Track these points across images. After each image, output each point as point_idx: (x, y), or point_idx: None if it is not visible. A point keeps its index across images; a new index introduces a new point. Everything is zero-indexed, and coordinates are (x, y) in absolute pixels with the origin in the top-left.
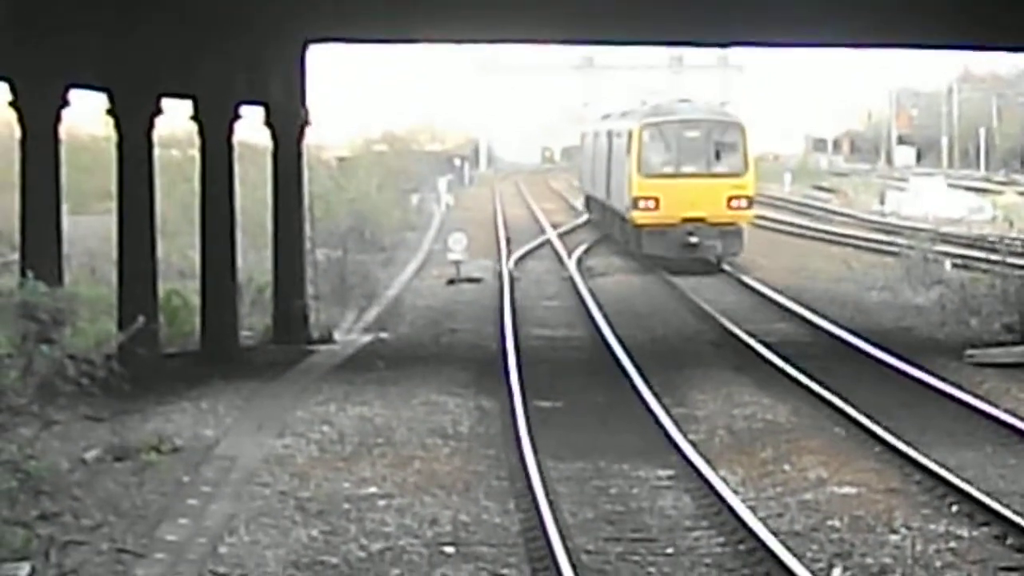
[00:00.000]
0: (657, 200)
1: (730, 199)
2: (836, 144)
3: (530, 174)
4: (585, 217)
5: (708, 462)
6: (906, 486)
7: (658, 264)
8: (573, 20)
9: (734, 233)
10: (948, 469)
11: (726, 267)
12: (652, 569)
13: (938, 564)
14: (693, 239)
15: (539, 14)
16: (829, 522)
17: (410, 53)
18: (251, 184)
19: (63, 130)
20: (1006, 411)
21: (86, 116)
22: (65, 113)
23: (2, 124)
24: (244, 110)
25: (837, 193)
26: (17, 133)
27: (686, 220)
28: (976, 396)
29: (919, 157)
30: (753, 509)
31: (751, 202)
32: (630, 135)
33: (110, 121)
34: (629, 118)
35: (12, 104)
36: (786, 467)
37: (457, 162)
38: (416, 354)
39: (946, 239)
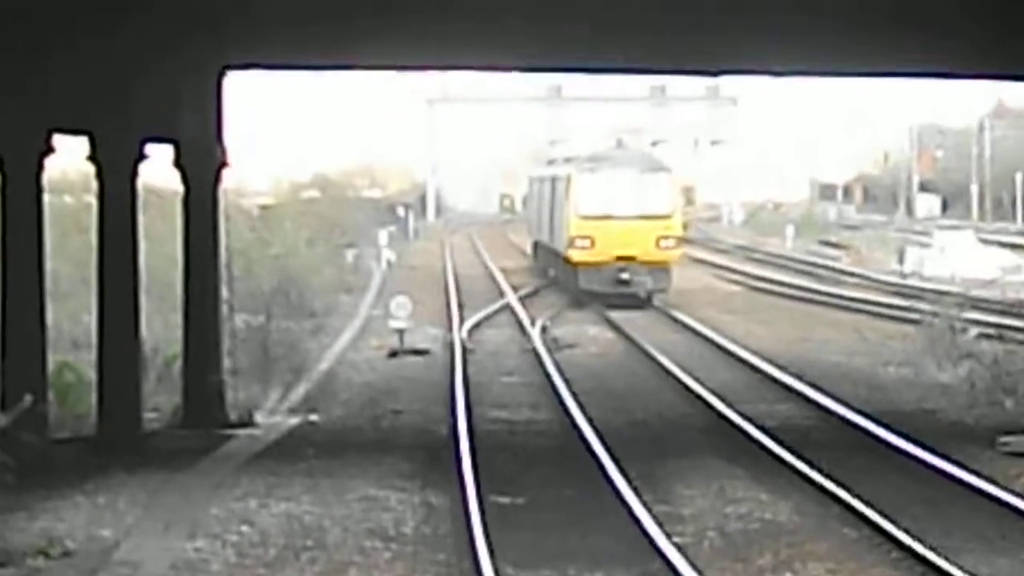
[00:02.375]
0: (592, 240)
1: (659, 239)
2: (847, 191)
3: (486, 226)
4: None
5: (696, 570)
6: None
7: (637, 331)
8: (537, 43)
9: (663, 271)
10: None
11: (719, 338)
12: None
13: None
14: (625, 275)
15: (497, 36)
16: None
17: (346, 82)
18: (158, 237)
19: None
20: None
21: None
22: None
23: None
24: (150, 148)
25: (848, 250)
26: None
27: (619, 258)
28: (1012, 492)
29: (945, 207)
30: None
31: (679, 241)
32: (568, 180)
33: None
34: (568, 165)
35: None
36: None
37: (401, 211)
38: (352, 440)
39: (977, 305)
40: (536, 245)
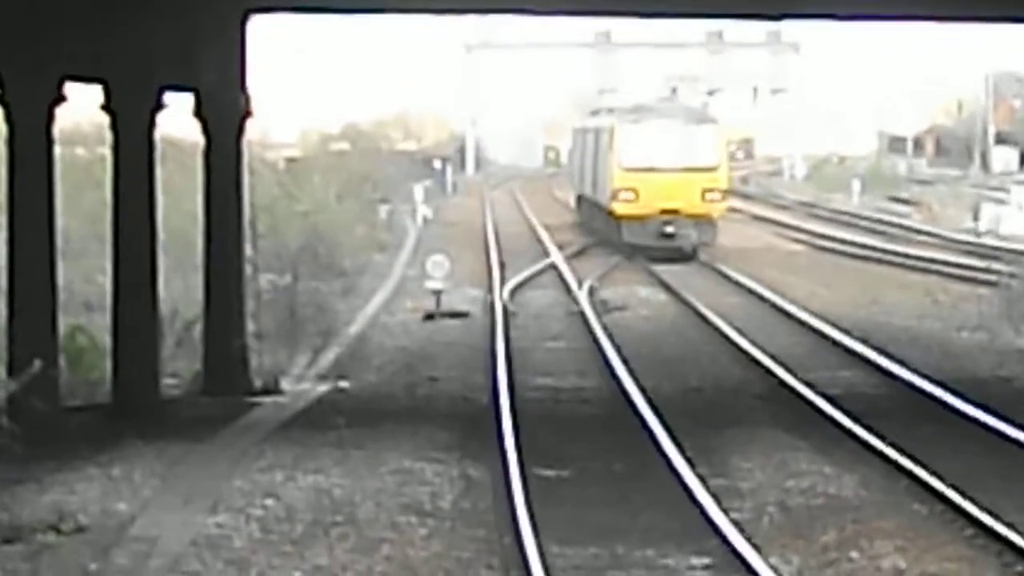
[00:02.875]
0: (636, 192)
1: (704, 192)
2: (917, 144)
3: (529, 180)
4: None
5: (755, 548)
6: None
7: (691, 293)
8: None
9: (708, 224)
10: None
11: (780, 301)
12: None
13: None
14: (669, 228)
15: None
16: None
17: (379, 26)
18: (177, 192)
19: None
20: None
21: None
22: None
23: None
24: (168, 97)
25: (918, 206)
26: None
27: (663, 211)
28: None
29: (1023, 161)
30: None
31: (724, 194)
32: (611, 132)
33: None
34: (612, 116)
35: None
36: (853, 554)
37: (438, 165)
38: (385, 409)
39: None
40: (580, 199)
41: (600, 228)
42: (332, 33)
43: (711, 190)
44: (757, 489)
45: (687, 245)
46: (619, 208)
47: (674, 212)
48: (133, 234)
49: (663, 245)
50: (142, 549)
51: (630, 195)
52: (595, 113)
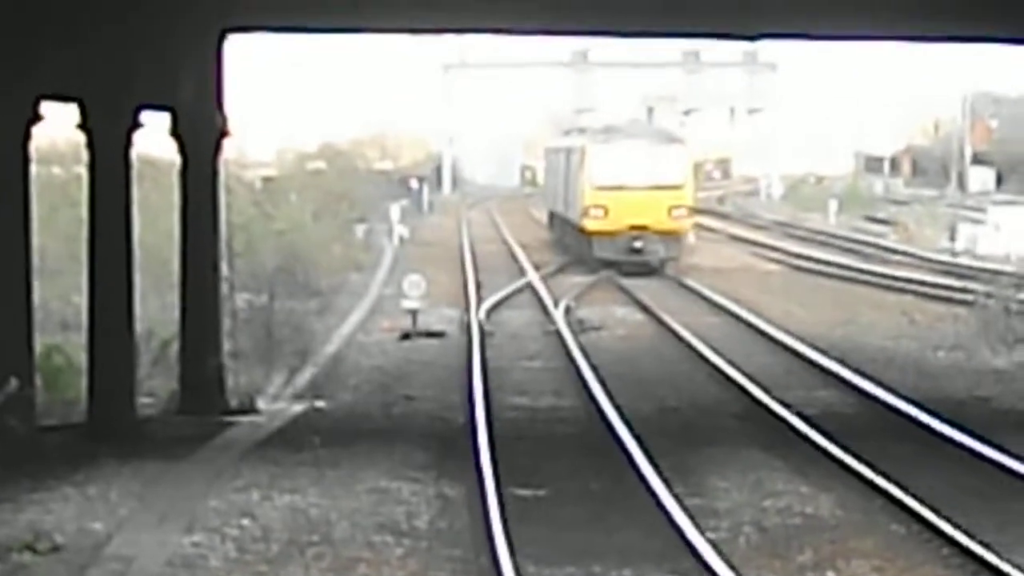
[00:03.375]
0: (606, 209)
1: (671, 209)
2: (894, 163)
3: (506, 200)
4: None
5: (731, 568)
6: None
7: (668, 313)
8: (562, 4)
9: (675, 240)
10: None
11: (756, 320)
12: None
13: None
14: (638, 244)
15: None
16: None
17: (356, 46)
18: (154, 211)
19: None
20: None
21: None
22: None
23: None
24: (145, 116)
25: (895, 226)
26: None
27: (632, 227)
28: None
29: (1000, 181)
30: None
31: (691, 211)
32: (583, 151)
33: None
34: (583, 136)
35: None
36: (830, 575)
37: (414, 184)
38: (361, 428)
39: None
40: (552, 215)
41: (571, 244)
42: (309, 52)
43: (677, 207)
44: (734, 509)
45: (654, 260)
46: (590, 224)
47: (642, 228)
48: (109, 253)
49: (632, 260)
50: (118, 569)
51: (600, 212)
52: (567, 133)
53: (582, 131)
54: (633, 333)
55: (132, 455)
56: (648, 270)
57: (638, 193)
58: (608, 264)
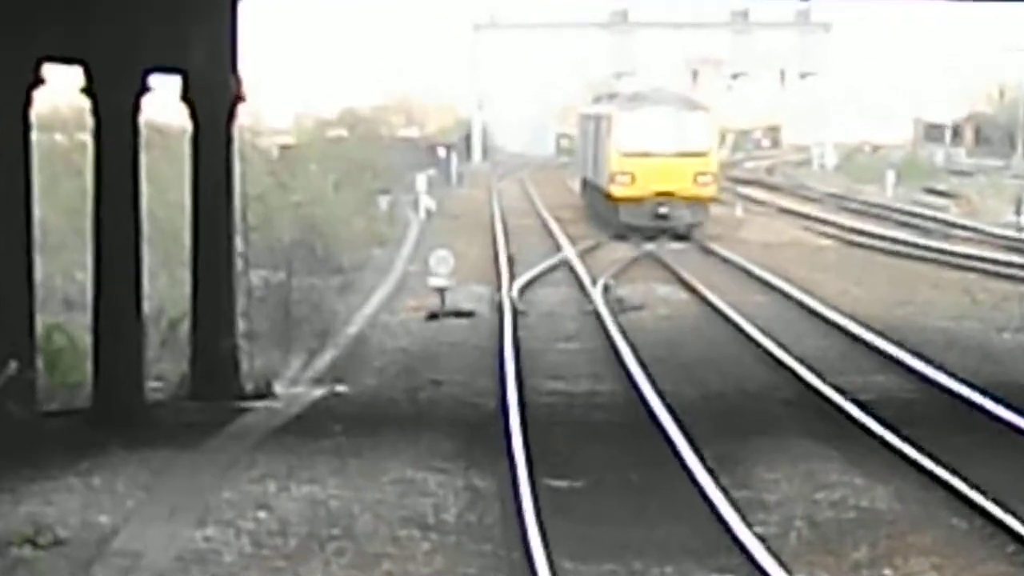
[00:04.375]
0: (632, 175)
1: (696, 175)
2: (956, 132)
3: (540, 170)
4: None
5: (781, 565)
6: None
7: (713, 291)
8: None
9: (700, 206)
10: None
11: (808, 300)
12: None
13: None
14: (663, 209)
15: None
16: None
17: (379, 4)
18: (163, 181)
19: None
20: None
21: None
22: None
23: None
24: (154, 80)
25: (957, 199)
26: None
27: (658, 194)
28: None
29: None
30: None
31: (715, 177)
32: (610, 119)
33: None
34: (611, 103)
35: None
36: (887, 572)
37: (442, 153)
38: (385, 414)
39: None
40: (584, 182)
41: (601, 211)
42: (329, 12)
43: (703, 173)
44: (784, 502)
45: (681, 225)
46: (616, 191)
47: (668, 194)
48: (116, 227)
49: (658, 225)
50: (124, 564)
51: (627, 178)
52: (599, 99)
53: (611, 97)
54: (676, 313)
55: (140, 443)
56: (675, 235)
57: (664, 160)
58: (634, 229)
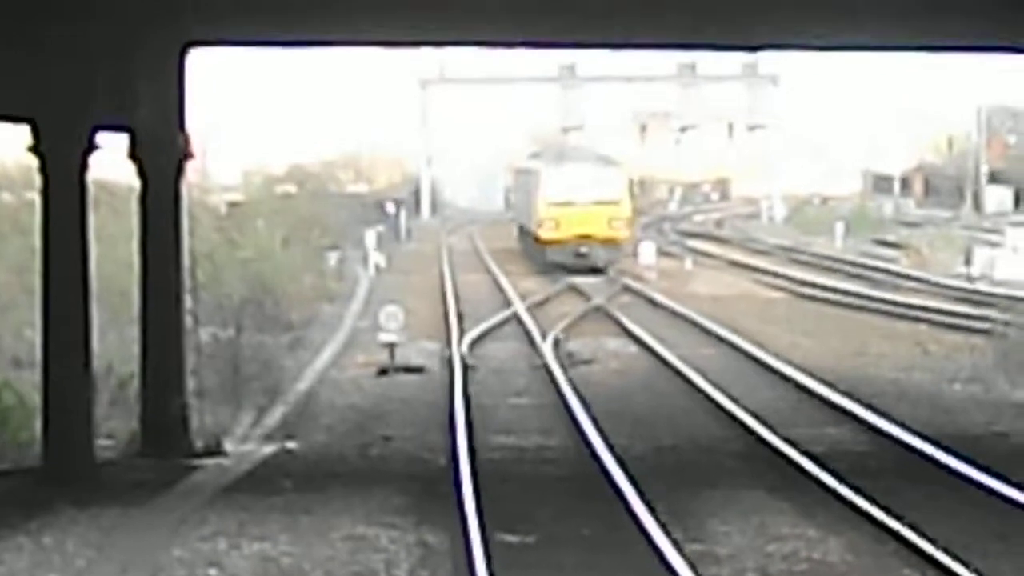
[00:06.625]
0: (557, 221)
1: (611, 220)
2: (905, 183)
3: (490, 225)
4: (564, 282)
5: None
6: None
7: (664, 345)
8: (548, 14)
9: (614, 247)
10: None
11: (758, 352)
12: None
13: None
14: (583, 250)
15: (501, 6)
16: None
17: (327, 61)
18: (111, 239)
19: None
20: None
21: None
22: None
23: None
24: (102, 138)
25: (907, 250)
26: None
27: (579, 236)
28: None
29: (1018, 201)
30: None
31: (627, 222)
32: (538, 174)
33: None
34: (538, 160)
35: None
36: None
37: (391, 208)
38: (336, 471)
39: None
40: (520, 228)
41: (533, 253)
42: (277, 68)
43: (616, 219)
44: (736, 554)
45: (599, 262)
46: (544, 234)
47: (587, 237)
48: (64, 285)
49: (578, 263)
50: None
51: (552, 224)
52: (533, 156)
53: (537, 155)
54: (627, 367)
55: (90, 501)
56: (592, 269)
57: (583, 208)
58: (558, 265)
